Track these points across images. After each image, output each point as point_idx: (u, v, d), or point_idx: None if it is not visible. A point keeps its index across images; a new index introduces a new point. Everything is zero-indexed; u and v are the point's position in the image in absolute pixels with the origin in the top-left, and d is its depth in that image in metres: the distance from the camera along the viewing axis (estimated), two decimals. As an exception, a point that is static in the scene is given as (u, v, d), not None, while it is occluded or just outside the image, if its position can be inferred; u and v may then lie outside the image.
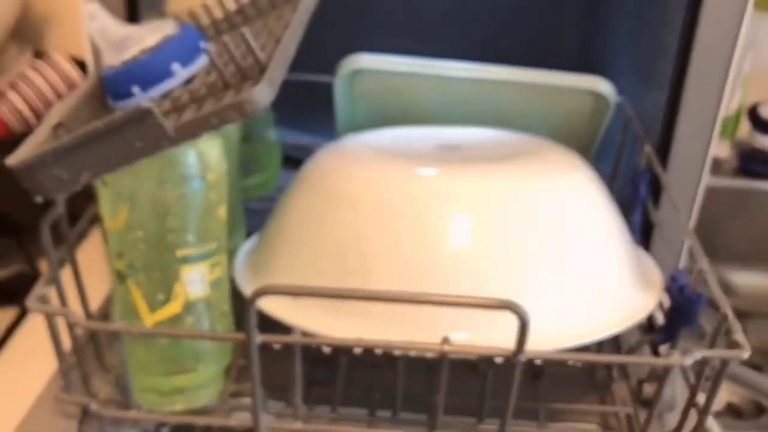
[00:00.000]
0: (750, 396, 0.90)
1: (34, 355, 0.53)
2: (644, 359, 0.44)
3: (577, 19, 0.84)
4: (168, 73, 0.41)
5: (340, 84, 0.61)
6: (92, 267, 0.55)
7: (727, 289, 1.09)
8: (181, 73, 0.41)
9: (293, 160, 0.64)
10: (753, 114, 1.02)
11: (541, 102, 0.62)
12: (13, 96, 0.63)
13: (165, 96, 0.40)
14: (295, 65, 0.71)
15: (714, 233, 1.06)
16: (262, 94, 0.33)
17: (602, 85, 0.60)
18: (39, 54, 0.72)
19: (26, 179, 0.35)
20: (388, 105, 0.63)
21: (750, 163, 1.05)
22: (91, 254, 0.61)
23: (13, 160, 0.35)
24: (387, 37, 0.71)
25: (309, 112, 0.80)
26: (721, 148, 1.07)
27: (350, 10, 0.84)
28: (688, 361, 0.39)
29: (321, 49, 0.63)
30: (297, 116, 0.84)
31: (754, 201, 1.06)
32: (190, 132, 0.34)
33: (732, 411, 0.90)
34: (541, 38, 0.82)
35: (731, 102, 1.04)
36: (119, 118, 0.33)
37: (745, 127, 1.10)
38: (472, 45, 0.82)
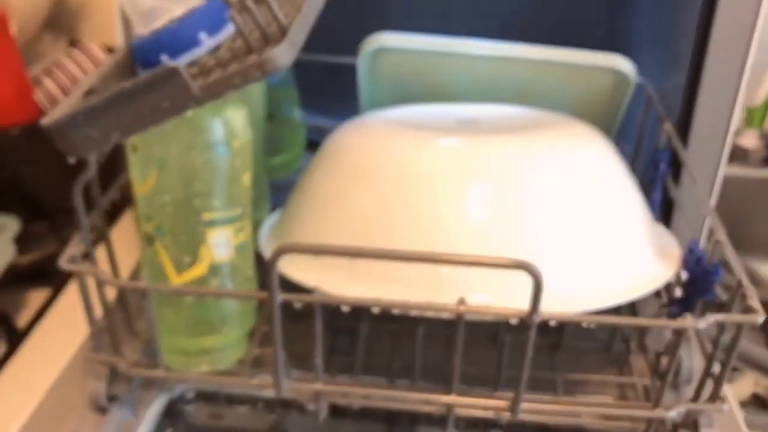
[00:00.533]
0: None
1: (67, 329, 0.55)
2: (658, 322, 0.45)
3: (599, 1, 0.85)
4: (195, 42, 0.42)
5: (362, 63, 0.62)
6: (125, 245, 0.57)
7: (753, 279, 1.08)
8: (207, 41, 0.43)
9: (318, 144, 0.66)
10: (779, 102, 1.01)
11: (562, 80, 0.62)
12: (48, 83, 0.65)
13: (192, 63, 0.41)
14: (319, 48, 0.73)
15: (741, 223, 1.05)
16: (283, 53, 0.34)
17: (623, 64, 0.60)
18: (73, 43, 0.74)
19: (59, 139, 0.37)
20: (410, 83, 0.64)
21: (777, 153, 1.04)
22: (124, 233, 0.63)
23: (46, 120, 0.37)
24: (408, 18, 0.72)
25: (334, 98, 0.81)
26: (748, 138, 1.06)
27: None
28: (702, 324, 0.40)
29: (343, 32, 0.64)
30: (323, 102, 0.86)
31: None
32: (214, 91, 0.35)
33: (757, 401, 0.90)
34: (562, 17, 0.82)
35: (759, 91, 1.04)
36: (147, 77, 0.35)
37: (773, 117, 1.09)
38: (492, 23, 0.82)
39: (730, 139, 0.61)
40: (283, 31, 0.36)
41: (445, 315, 0.42)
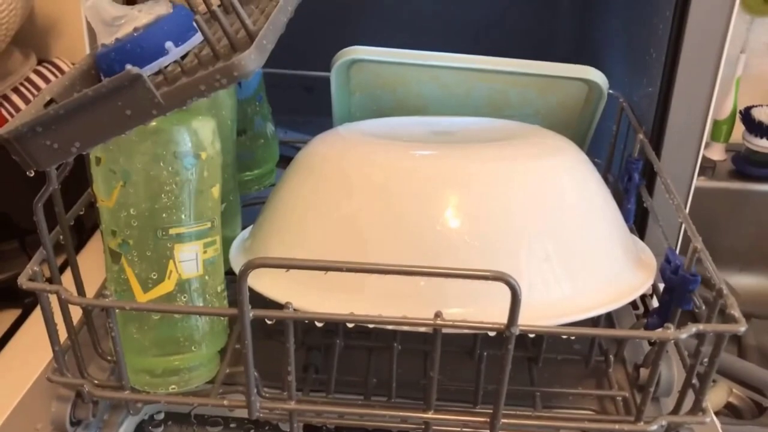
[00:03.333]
0: (749, 396, 0.90)
1: (34, 351, 0.53)
2: (639, 333, 0.44)
3: (571, 11, 0.85)
4: (161, 51, 0.41)
5: (335, 74, 0.61)
6: (97, 264, 0.55)
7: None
8: (174, 50, 0.41)
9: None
10: (746, 116, 1.03)
11: (534, 91, 0.62)
12: (16, 99, 0.64)
13: (158, 73, 0.40)
14: (292, 66, 0.72)
15: (711, 236, 1.06)
16: (250, 59, 0.33)
17: (594, 74, 0.60)
18: (43, 61, 0.73)
19: (17, 150, 0.35)
20: (383, 96, 0.63)
21: (745, 165, 1.05)
22: (96, 252, 0.61)
23: (2, 130, 0.35)
24: (381, 32, 0.71)
25: (308, 116, 0.81)
26: (715, 151, 1.07)
27: (345, 8, 0.85)
28: (684, 334, 0.39)
29: (315, 49, 0.64)
30: (296, 122, 0.85)
31: (750, 203, 1.07)
32: (179, 98, 0.34)
33: (732, 410, 0.90)
34: (534, 30, 0.83)
35: (725, 105, 1.05)
36: (108, 83, 0.33)
37: (739, 131, 1.10)
38: (465, 37, 0.83)
39: (702, 148, 0.61)
40: (250, 36, 0.35)
41: (422, 329, 0.41)
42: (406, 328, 0.41)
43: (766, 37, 1.06)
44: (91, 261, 0.55)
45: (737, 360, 0.89)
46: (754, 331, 1.03)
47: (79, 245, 0.67)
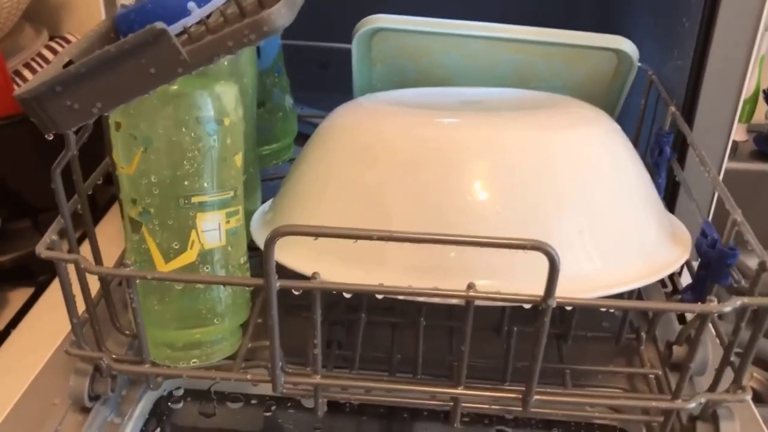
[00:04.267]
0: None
1: (49, 328, 0.52)
2: (682, 306, 0.42)
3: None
4: (183, 12, 0.40)
5: (357, 45, 0.59)
6: (115, 236, 0.54)
7: (746, 273, 1.07)
8: (196, 11, 0.40)
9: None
10: (770, 96, 1.00)
11: (563, 62, 0.60)
12: (28, 75, 0.62)
13: (181, 33, 0.38)
14: (310, 39, 0.70)
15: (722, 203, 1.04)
16: (280, 13, 0.31)
17: (625, 44, 0.58)
18: (55, 36, 0.72)
19: (35, 111, 0.34)
20: (406, 66, 0.61)
21: (767, 146, 1.03)
22: (114, 224, 0.60)
23: (20, 90, 0.34)
24: (400, 3, 0.69)
25: (326, 93, 0.79)
26: (737, 132, 1.05)
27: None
28: (728, 307, 0.38)
29: (334, 20, 0.62)
30: (314, 99, 0.83)
31: (772, 184, 1.05)
32: (205, 55, 0.32)
33: (753, 395, 0.88)
34: (556, 2, 0.80)
35: (748, 84, 1.03)
36: (131, 39, 0.32)
37: (761, 110, 1.08)
38: (485, 7, 0.81)
39: (735, 122, 0.60)
40: (279, -6, 0.34)
41: (454, 301, 0.39)
42: (437, 300, 0.40)
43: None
44: (106, 237, 0.54)
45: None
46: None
47: (94, 222, 0.66)
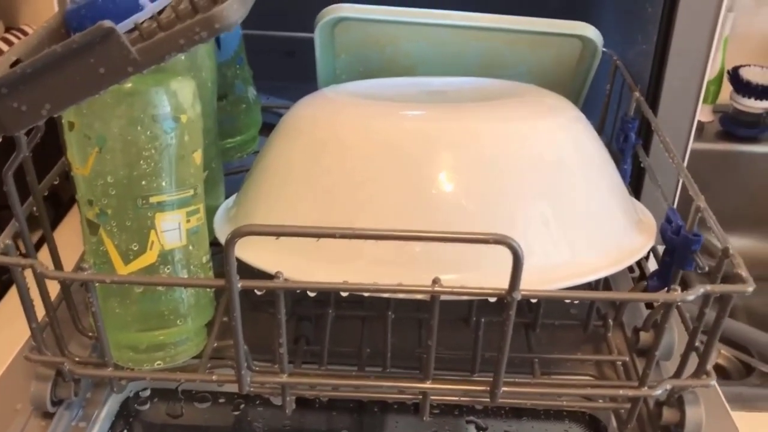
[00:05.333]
0: (736, 356, 0.90)
1: (10, 329, 0.51)
2: (644, 296, 0.42)
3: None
4: (135, 7, 0.39)
5: (319, 35, 0.58)
6: (71, 243, 0.53)
7: (712, 253, 1.09)
8: (149, 6, 0.39)
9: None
10: (735, 76, 1.01)
11: (528, 49, 0.60)
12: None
13: (132, 29, 0.37)
14: (273, 27, 0.69)
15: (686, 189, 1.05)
16: (232, 8, 0.30)
17: (589, 30, 0.58)
18: (11, 28, 0.70)
19: (-18, 114, 0.33)
20: (371, 56, 0.61)
21: (732, 126, 1.04)
22: (71, 232, 0.59)
23: (-34, 93, 0.32)
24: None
25: (290, 82, 0.78)
26: (703, 112, 1.06)
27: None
28: (691, 296, 0.38)
29: (298, 8, 0.61)
30: (278, 88, 0.82)
31: (738, 164, 1.06)
32: (156, 53, 0.31)
33: (719, 371, 0.90)
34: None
35: (712, 65, 1.03)
36: (78, 39, 0.31)
37: (726, 91, 1.09)
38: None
39: (699, 107, 0.60)
40: (232, -12, 0.33)
41: (419, 296, 0.39)
42: (402, 295, 0.40)
43: (755, -4, 1.04)
44: (70, 236, 0.53)
45: (741, 325, 0.89)
46: (743, 294, 1.03)
47: (57, 220, 0.65)
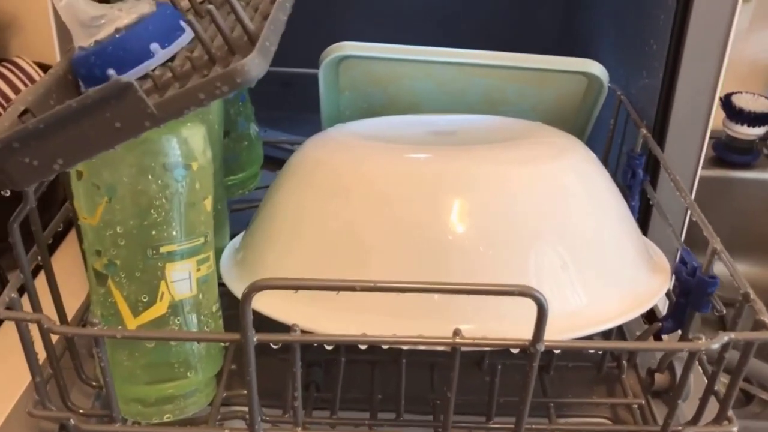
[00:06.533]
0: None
1: (9, 377, 0.49)
2: (670, 345, 0.42)
3: (556, 2, 0.83)
4: (146, 54, 0.38)
5: (324, 72, 0.58)
6: (69, 273, 0.51)
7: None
8: (160, 53, 0.38)
9: (275, 161, 0.62)
10: (727, 103, 1.01)
11: (532, 87, 0.59)
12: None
13: (144, 77, 0.36)
14: (276, 62, 0.69)
15: (691, 224, 1.05)
16: (254, 63, 0.30)
17: (594, 67, 0.58)
18: (2, 60, 0.68)
19: (-8, 169, 0.32)
20: (375, 93, 0.60)
21: (725, 152, 1.04)
22: (67, 259, 0.57)
23: (-25, 147, 0.31)
24: (368, 28, 0.68)
25: (290, 113, 0.77)
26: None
27: (326, 6, 0.82)
28: (715, 344, 0.37)
29: (303, 45, 0.60)
30: (278, 118, 0.81)
31: (731, 191, 1.06)
32: (174, 108, 0.31)
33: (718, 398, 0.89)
34: (518, 23, 0.80)
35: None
36: (95, 94, 0.30)
37: (719, 117, 1.09)
38: (444, 28, 0.80)
39: (706, 142, 0.60)
40: (250, 37, 0.32)
41: (439, 348, 0.38)
42: (422, 347, 0.39)
43: (747, 23, 1.05)
44: (60, 269, 0.51)
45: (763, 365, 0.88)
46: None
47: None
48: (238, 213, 0.64)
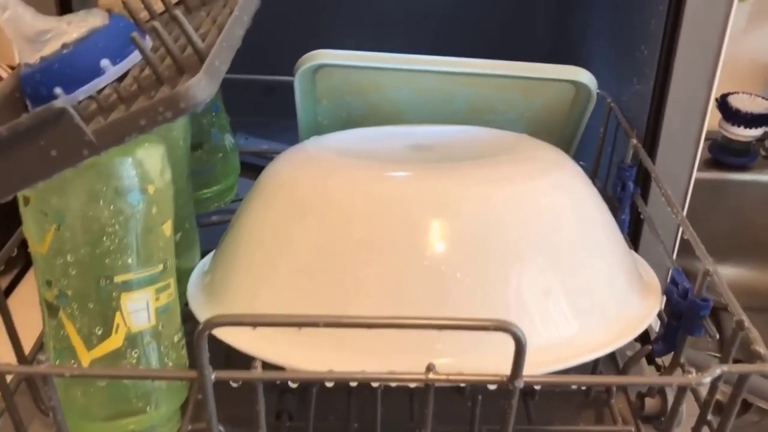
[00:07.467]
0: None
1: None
2: (660, 380, 0.40)
3: (547, 7, 0.80)
4: (96, 71, 0.35)
5: (300, 81, 0.55)
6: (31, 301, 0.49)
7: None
8: (111, 70, 0.35)
9: (255, 168, 0.59)
10: (723, 104, 0.99)
11: (519, 94, 0.57)
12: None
13: (91, 97, 0.34)
14: (253, 69, 0.66)
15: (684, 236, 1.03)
16: (199, 86, 0.27)
17: (583, 75, 0.55)
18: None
19: None
20: (354, 102, 0.57)
21: (721, 154, 1.02)
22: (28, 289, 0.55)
23: None
24: (348, 35, 0.66)
25: (270, 119, 0.75)
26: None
27: (311, 10, 0.79)
28: (707, 378, 0.35)
29: (287, 50, 0.58)
30: (257, 124, 0.79)
31: (727, 193, 1.04)
32: (114, 135, 0.28)
33: (715, 407, 0.87)
34: (509, 28, 0.78)
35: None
36: (26, 120, 0.27)
37: (715, 119, 1.07)
38: (431, 34, 0.78)
39: (699, 151, 0.57)
40: (200, 55, 0.29)
41: (412, 385, 0.36)
42: (393, 384, 0.36)
43: (743, 23, 1.02)
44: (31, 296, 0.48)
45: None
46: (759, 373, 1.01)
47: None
48: (215, 227, 0.62)
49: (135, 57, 0.36)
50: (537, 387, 0.46)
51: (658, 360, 0.52)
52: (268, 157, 0.57)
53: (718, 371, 0.35)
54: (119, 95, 0.31)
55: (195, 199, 0.55)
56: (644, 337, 0.54)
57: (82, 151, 0.28)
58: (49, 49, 0.36)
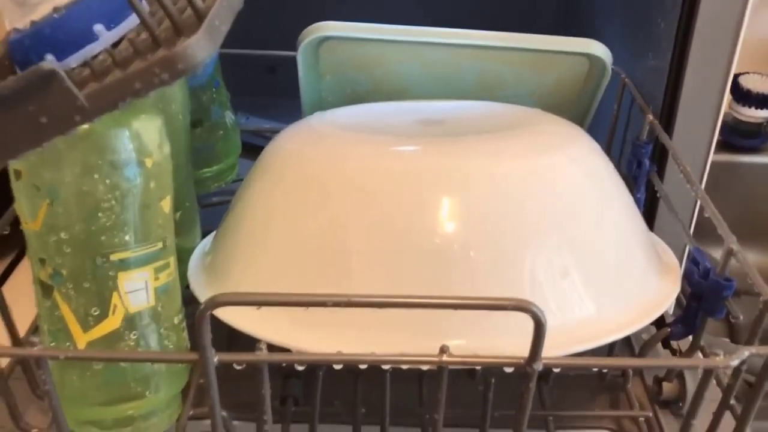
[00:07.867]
0: (744, 378, 0.86)
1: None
2: (683, 362, 0.38)
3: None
4: (89, 37, 0.33)
5: (303, 54, 0.53)
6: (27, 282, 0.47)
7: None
8: (105, 35, 0.33)
9: (256, 149, 0.57)
10: (734, 85, 0.97)
11: (530, 69, 0.55)
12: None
13: (84, 63, 0.32)
14: (252, 43, 0.64)
15: (700, 214, 1.01)
16: (198, 46, 0.25)
17: (597, 47, 0.53)
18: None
19: None
20: (359, 78, 0.55)
21: (732, 136, 1.00)
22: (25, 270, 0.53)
23: None
24: (359, 8, 0.63)
25: (272, 98, 0.73)
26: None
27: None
28: (735, 361, 0.33)
29: (288, 26, 0.56)
30: (259, 104, 0.77)
31: (738, 175, 1.02)
32: (108, 100, 0.26)
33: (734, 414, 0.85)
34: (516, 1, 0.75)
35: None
36: (13, 83, 0.25)
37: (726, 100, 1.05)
38: (437, 7, 0.75)
39: (718, 128, 0.55)
40: (198, 15, 0.28)
41: (424, 367, 0.34)
42: (405, 366, 0.34)
43: (754, 1, 1.00)
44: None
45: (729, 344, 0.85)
46: (745, 309, 0.99)
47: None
48: (216, 207, 0.60)
49: (130, 21, 0.34)
50: (556, 370, 0.45)
51: (673, 344, 0.51)
52: (269, 136, 0.55)
53: (746, 353, 0.34)
54: (114, 60, 0.29)
55: (195, 179, 0.54)
56: (658, 321, 0.52)
57: (73, 117, 0.26)
58: (40, 13, 0.34)
